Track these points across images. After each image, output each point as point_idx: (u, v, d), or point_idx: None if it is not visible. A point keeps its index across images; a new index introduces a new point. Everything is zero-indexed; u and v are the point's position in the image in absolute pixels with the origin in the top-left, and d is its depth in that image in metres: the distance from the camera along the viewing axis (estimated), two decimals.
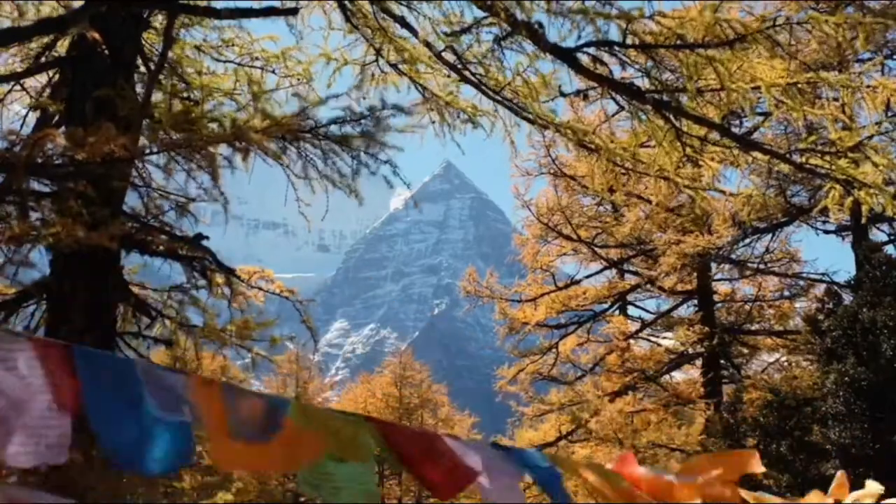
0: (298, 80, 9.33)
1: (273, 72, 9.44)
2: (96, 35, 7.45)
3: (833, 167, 7.45)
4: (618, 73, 7.93)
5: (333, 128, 7.21)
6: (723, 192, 9.04)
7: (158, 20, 8.70)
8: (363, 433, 2.84)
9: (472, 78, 8.15)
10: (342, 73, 8.77)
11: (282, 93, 9.36)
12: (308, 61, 9.32)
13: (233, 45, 9.41)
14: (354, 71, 8.68)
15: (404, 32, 8.31)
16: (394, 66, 8.61)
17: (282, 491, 29.00)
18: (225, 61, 9.54)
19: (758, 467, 3.44)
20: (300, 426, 2.74)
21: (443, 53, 8.08)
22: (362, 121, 7.15)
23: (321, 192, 8.09)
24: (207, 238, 8.49)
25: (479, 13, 7.49)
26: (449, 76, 8.43)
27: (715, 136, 7.89)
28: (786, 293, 24.14)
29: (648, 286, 24.26)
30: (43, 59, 8.95)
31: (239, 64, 9.50)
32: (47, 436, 2.22)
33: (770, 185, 21.03)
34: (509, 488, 3.07)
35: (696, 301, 24.07)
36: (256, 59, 9.44)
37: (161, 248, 8.25)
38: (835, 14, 6.50)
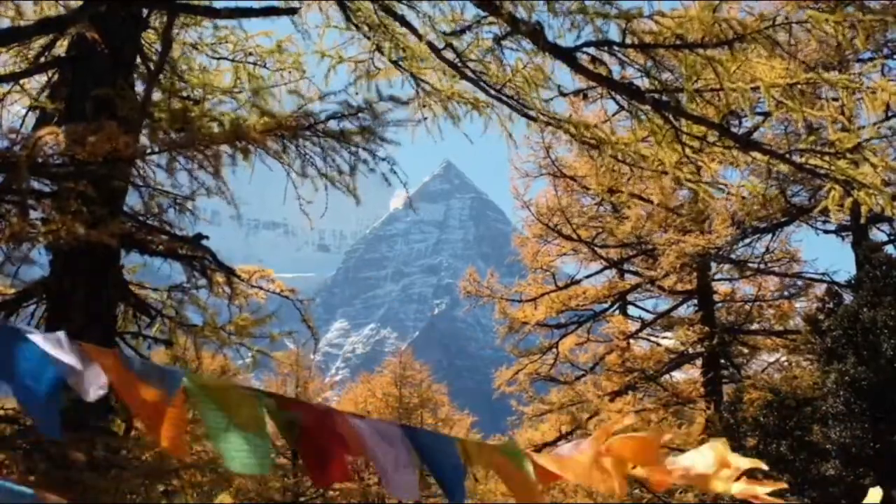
0: (290, 72, 9.33)
1: (265, 66, 9.44)
2: (96, 35, 7.46)
3: (832, 168, 7.45)
4: (617, 73, 7.94)
5: (332, 123, 7.21)
6: (724, 185, 9.03)
7: (158, 20, 8.70)
8: (260, 407, 2.89)
9: (472, 76, 8.16)
10: (337, 70, 8.78)
11: (278, 90, 9.37)
12: (299, 52, 9.33)
13: (227, 41, 9.41)
14: (349, 68, 8.68)
15: (403, 31, 8.31)
16: (394, 62, 8.61)
17: (281, 491, 29.00)
18: (219, 58, 9.54)
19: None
20: (194, 397, 2.78)
21: (443, 52, 8.08)
22: (360, 115, 7.14)
23: (321, 191, 8.09)
24: (207, 238, 8.50)
25: (480, 12, 7.49)
26: (447, 71, 8.43)
27: (714, 135, 7.89)
28: (786, 293, 24.13)
29: (648, 286, 24.25)
30: (42, 60, 8.95)
31: (233, 60, 9.50)
32: None
33: (770, 185, 21.02)
34: (408, 482, 3.09)
35: (696, 301, 24.06)
36: (250, 54, 9.45)
37: (161, 247, 8.25)
38: (834, 13, 6.49)
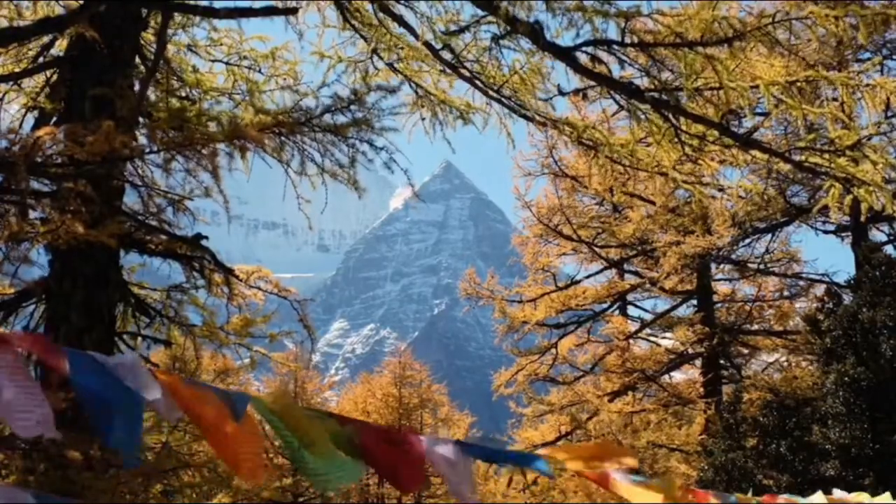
0: (285, 79, 9.34)
1: (260, 71, 9.44)
2: (95, 35, 7.45)
3: (832, 165, 7.44)
4: (617, 73, 7.93)
5: (327, 117, 7.19)
6: (721, 188, 9.04)
7: (156, 19, 8.70)
8: (323, 429, 2.89)
9: (469, 75, 8.15)
10: (336, 70, 8.78)
11: (274, 91, 9.39)
12: (295, 61, 9.33)
13: (221, 44, 9.41)
14: (349, 68, 8.67)
15: (401, 31, 8.31)
16: (389, 64, 8.61)
17: (280, 491, 28.98)
18: (213, 60, 9.54)
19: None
20: (260, 419, 2.79)
21: (440, 52, 8.08)
22: (351, 107, 7.12)
23: (321, 190, 8.08)
24: (206, 238, 8.49)
25: (478, 11, 7.48)
26: (444, 72, 8.43)
27: (714, 134, 7.88)
28: (786, 293, 24.13)
29: (649, 286, 24.25)
30: (41, 60, 8.95)
31: (227, 63, 9.50)
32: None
33: (770, 185, 21.03)
34: (467, 481, 3.13)
35: (695, 301, 24.06)
36: (245, 58, 9.45)
37: (160, 247, 8.25)
38: (835, 8, 6.48)
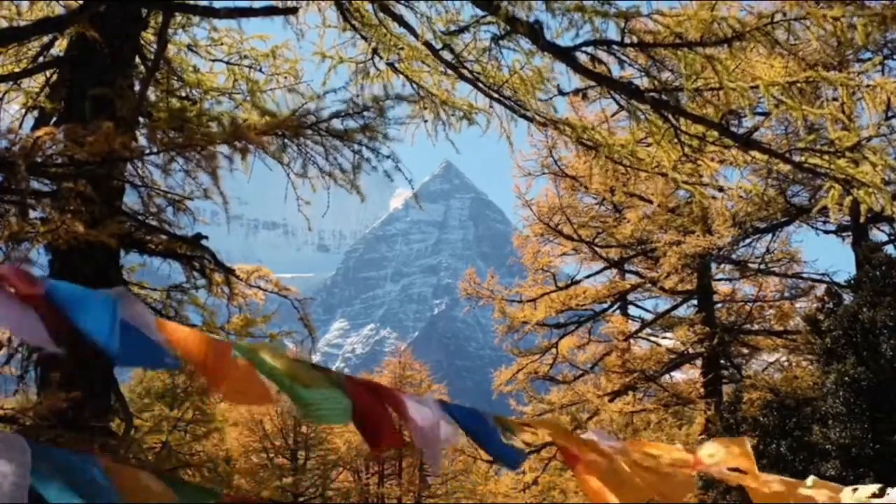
0: (286, 78, 9.34)
1: (260, 70, 9.43)
2: (95, 34, 7.45)
3: (832, 166, 7.44)
4: (617, 73, 7.93)
5: (335, 122, 7.17)
6: (721, 188, 9.04)
7: (156, 19, 8.70)
8: (314, 373, 2.90)
9: (469, 76, 8.15)
10: (337, 71, 8.78)
11: (276, 91, 9.38)
12: (295, 59, 9.33)
13: (221, 43, 9.40)
14: (350, 69, 8.68)
15: (401, 31, 8.31)
16: (390, 64, 8.61)
17: (281, 490, 29.00)
18: (213, 60, 9.53)
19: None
20: (252, 364, 2.78)
21: (440, 52, 8.08)
22: (364, 113, 7.10)
23: (321, 190, 8.07)
24: (206, 238, 8.48)
25: (478, 11, 7.49)
26: (445, 73, 8.43)
27: (714, 135, 7.88)
28: (786, 293, 24.16)
29: (649, 286, 24.27)
30: (41, 60, 8.95)
31: (227, 63, 9.49)
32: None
33: (770, 185, 21.05)
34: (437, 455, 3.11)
35: (696, 301, 24.08)
36: (245, 57, 9.45)
37: (160, 247, 8.24)
38: (832, 10, 6.48)
